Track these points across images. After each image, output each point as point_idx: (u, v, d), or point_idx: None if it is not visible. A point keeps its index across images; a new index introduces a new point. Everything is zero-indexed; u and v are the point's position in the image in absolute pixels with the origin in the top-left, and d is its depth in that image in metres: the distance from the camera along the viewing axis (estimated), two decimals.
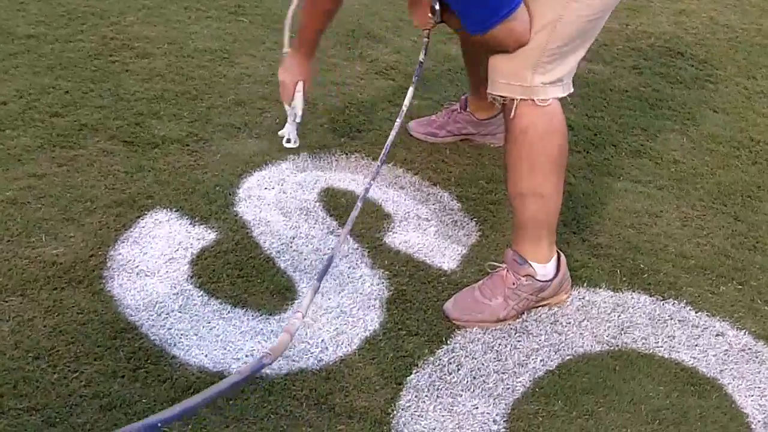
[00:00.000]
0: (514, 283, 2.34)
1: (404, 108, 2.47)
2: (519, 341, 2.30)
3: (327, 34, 3.71)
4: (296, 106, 2.77)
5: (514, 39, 2.15)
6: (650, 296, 2.50)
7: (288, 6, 2.75)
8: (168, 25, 3.63)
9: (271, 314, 2.27)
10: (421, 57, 2.57)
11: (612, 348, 2.32)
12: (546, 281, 2.37)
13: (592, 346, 2.31)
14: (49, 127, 2.86)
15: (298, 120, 2.82)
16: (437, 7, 2.42)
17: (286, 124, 2.87)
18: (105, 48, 3.39)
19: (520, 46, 2.15)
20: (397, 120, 2.45)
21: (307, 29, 2.69)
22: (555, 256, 2.39)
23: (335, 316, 2.29)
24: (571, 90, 2.27)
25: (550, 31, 2.14)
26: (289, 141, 2.89)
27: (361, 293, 2.37)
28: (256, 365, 1.82)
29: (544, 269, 2.36)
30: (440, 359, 2.21)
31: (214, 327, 2.21)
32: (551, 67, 2.18)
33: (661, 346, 2.34)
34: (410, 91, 2.51)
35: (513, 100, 2.20)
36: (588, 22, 2.18)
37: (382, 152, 2.38)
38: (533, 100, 2.19)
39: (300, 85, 2.74)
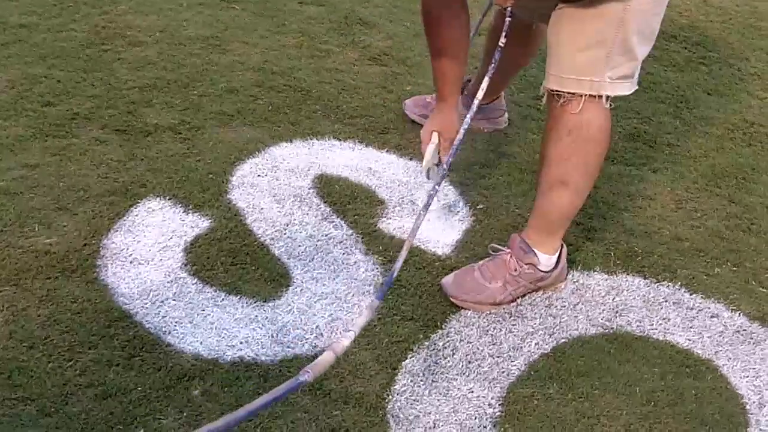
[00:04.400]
0: (516, 270, 2.34)
1: (478, 98, 2.23)
2: (514, 325, 2.30)
3: (319, 20, 3.74)
4: (426, 156, 2.44)
5: None
6: (645, 279, 2.51)
7: None
8: (160, 13, 3.61)
9: (265, 301, 2.27)
10: (502, 41, 2.30)
11: (607, 331, 2.32)
12: (547, 272, 2.37)
13: (586, 329, 2.32)
14: (41, 117, 2.85)
15: (423, 173, 2.51)
16: None
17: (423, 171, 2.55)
18: (97, 37, 3.38)
19: None
20: (468, 115, 2.23)
21: (436, 69, 2.40)
22: (560, 248, 2.39)
23: (330, 302, 2.29)
24: (636, 87, 2.23)
25: (618, 21, 2.09)
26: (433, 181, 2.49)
27: (355, 279, 2.37)
28: (293, 383, 1.72)
29: (549, 260, 2.37)
30: (435, 344, 2.21)
31: (209, 314, 2.21)
32: (621, 61, 2.14)
33: (656, 329, 2.34)
34: (485, 80, 2.24)
35: (582, 96, 2.16)
36: (651, 12, 2.15)
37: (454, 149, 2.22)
38: (600, 96, 2.16)
39: (435, 136, 2.42)
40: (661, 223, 2.74)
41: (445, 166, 2.24)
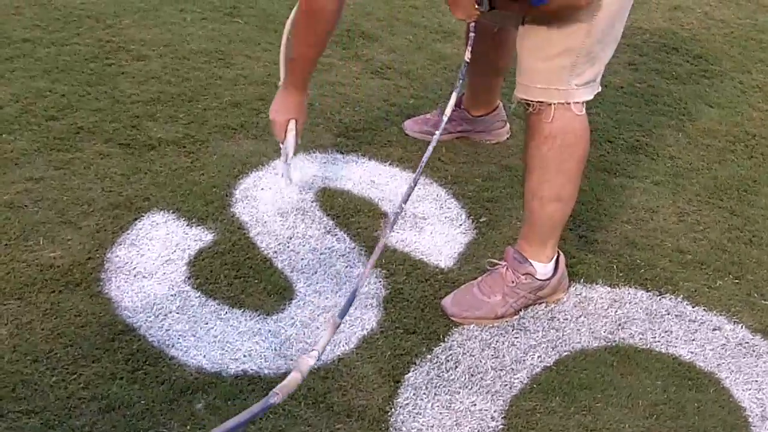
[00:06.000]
0: (513, 281, 2.35)
1: (446, 115, 2.21)
2: (516, 338, 2.31)
3: None
4: (287, 146, 2.57)
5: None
6: (647, 291, 2.51)
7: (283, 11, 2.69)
8: (163, 27, 3.63)
9: (268, 314, 2.28)
10: (467, 56, 2.30)
11: (609, 343, 2.32)
12: (545, 280, 2.37)
13: (589, 341, 2.32)
14: (45, 131, 2.86)
15: (288, 161, 2.61)
16: None
17: (279, 163, 2.70)
18: (101, 51, 3.39)
19: (589, 2, 2.04)
20: (443, 122, 2.20)
21: (301, 59, 2.48)
22: (555, 256, 2.39)
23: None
24: (599, 89, 2.25)
25: (587, 30, 2.11)
26: (290, 181, 2.70)
27: (358, 292, 2.37)
28: (263, 405, 1.75)
29: (545, 268, 2.37)
30: (438, 357, 2.21)
31: (212, 328, 2.21)
32: (585, 68, 2.16)
33: (659, 341, 2.34)
34: (453, 96, 2.21)
35: (550, 105, 2.18)
36: (616, 17, 2.16)
37: (425, 155, 2.14)
38: (569, 104, 2.18)
39: (292, 123, 2.54)
40: (664, 236, 2.74)
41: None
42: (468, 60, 2.29)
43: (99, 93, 3.12)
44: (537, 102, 2.20)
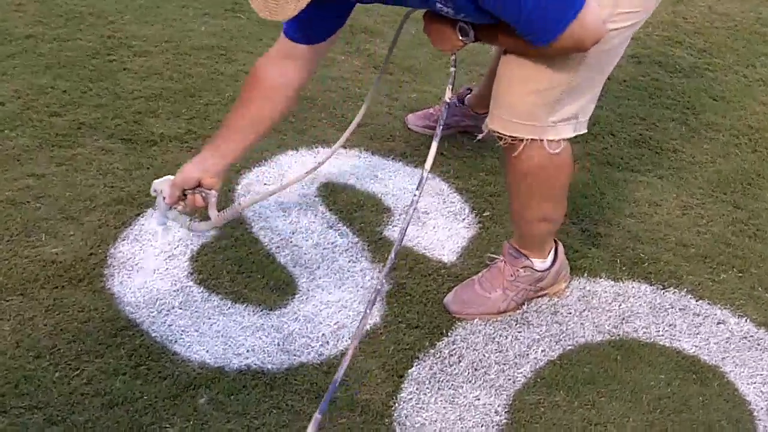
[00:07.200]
0: (512, 275, 2.34)
1: (426, 169, 1.94)
2: (520, 332, 2.30)
3: None
4: (161, 206, 2.22)
5: (590, 38, 1.87)
6: (651, 285, 2.50)
7: None
8: (165, 23, 3.62)
9: (271, 309, 2.27)
10: (447, 97, 2.08)
11: (613, 337, 2.32)
12: (544, 270, 2.37)
13: (593, 335, 2.32)
14: (47, 127, 2.86)
15: (178, 226, 2.26)
16: (468, 27, 2.00)
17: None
18: (103, 47, 3.39)
19: (596, 43, 1.89)
20: (423, 178, 1.94)
21: (229, 131, 2.15)
22: (553, 246, 2.39)
23: (336, 310, 2.29)
24: (585, 130, 2.13)
25: (574, 68, 1.99)
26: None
27: (361, 287, 2.38)
28: None
29: (543, 262, 2.36)
30: (441, 351, 2.21)
31: (215, 323, 2.21)
32: (565, 103, 2.04)
33: (662, 335, 2.34)
34: (434, 144, 1.96)
35: (522, 140, 2.08)
36: (605, 53, 2.02)
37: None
38: (542, 141, 2.07)
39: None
40: (667, 230, 2.74)
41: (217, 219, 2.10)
42: (449, 101, 2.08)
43: (101, 89, 3.11)
44: (510, 136, 2.09)
